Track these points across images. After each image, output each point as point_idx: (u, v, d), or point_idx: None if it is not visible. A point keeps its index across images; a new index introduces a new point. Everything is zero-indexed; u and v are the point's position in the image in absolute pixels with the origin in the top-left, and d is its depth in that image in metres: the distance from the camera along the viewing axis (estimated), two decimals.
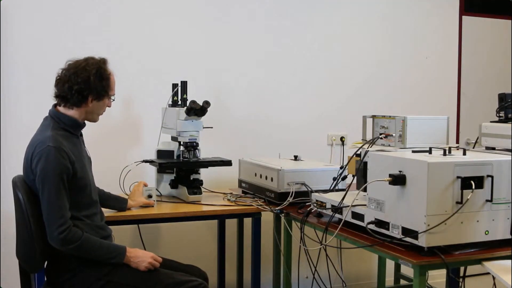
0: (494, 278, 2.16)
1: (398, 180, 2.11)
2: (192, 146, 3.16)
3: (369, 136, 2.70)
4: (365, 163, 2.35)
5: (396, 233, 2.16)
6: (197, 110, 3.05)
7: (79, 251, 2.32)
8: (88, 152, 2.64)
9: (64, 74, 2.44)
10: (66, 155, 2.32)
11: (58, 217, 2.28)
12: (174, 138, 3.23)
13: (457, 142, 4.43)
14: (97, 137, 3.48)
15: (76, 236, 2.30)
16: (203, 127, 3.15)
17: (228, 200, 3.14)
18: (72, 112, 2.47)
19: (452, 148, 2.31)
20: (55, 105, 2.51)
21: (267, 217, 3.17)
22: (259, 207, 2.99)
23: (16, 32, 3.30)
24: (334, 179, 2.80)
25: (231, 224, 3.62)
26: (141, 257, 2.42)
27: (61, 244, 2.29)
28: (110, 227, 2.73)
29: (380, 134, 2.61)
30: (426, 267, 2.05)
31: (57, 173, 2.28)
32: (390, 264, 3.88)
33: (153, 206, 2.96)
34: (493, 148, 2.42)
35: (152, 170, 3.32)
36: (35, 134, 2.45)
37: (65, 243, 2.28)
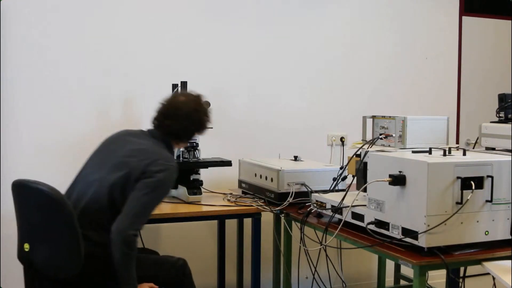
0: (494, 278, 2.16)
1: (398, 180, 2.11)
2: (192, 146, 3.16)
3: (369, 137, 2.70)
4: (365, 164, 2.35)
5: (396, 234, 2.15)
6: None
7: (124, 259, 2.27)
8: None
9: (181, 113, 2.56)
10: None
11: (141, 222, 2.32)
12: None
13: (457, 142, 4.42)
14: (97, 137, 3.47)
15: (136, 246, 2.30)
16: None
17: (228, 200, 3.14)
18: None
19: (452, 149, 2.31)
20: (167, 135, 2.58)
21: (267, 218, 3.17)
22: (259, 207, 2.99)
23: (16, 32, 3.30)
24: (334, 179, 2.80)
25: (231, 224, 3.62)
26: None
27: (124, 241, 2.25)
28: None
29: (380, 134, 2.61)
30: (426, 268, 2.05)
31: (167, 192, 2.45)
32: (390, 265, 3.88)
33: None
34: (493, 149, 2.42)
35: None
36: (149, 145, 2.50)
37: (128, 244, 2.26)
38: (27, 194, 2.41)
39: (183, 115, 2.55)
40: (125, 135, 2.63)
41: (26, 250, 2.37)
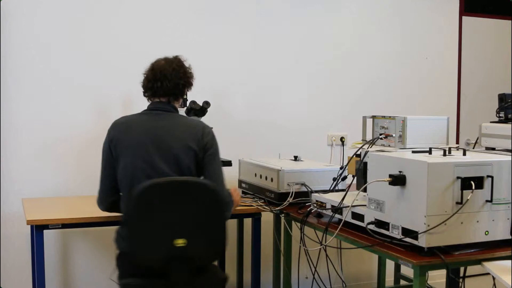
0: (494, 278, 2.16)
1: (398, 180, 2.11)
2: None
3: (369, 137, 2.70)
4: (365, 164, 2.35)
5: (396, 234, 2.16)
6: (197, 110, 3.05)
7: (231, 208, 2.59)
8: None
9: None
10: None
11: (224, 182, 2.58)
12: None
13: (457, 142, 4.43)
14: (97, 137, 3.48)
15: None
16: None
17: None
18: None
19: (452, 149, 2.31)
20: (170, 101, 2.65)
21: (267, 218, 3.17)
22: (259, 207, 2.99)
23: (16, 32, 3.30)
24: (334, 179, 2.79)
25: (231, 224, 3.60)
26: None
27: (230, 202, 2.57)
28: (110, 227, 2.73)
29: (380, 134, 2.60)
30: (426, 268, 2.05)
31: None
32: (390, 265, 3.88)
33: None
34: (493, 149, 2.42)
35: None
36: (183, 117, 2.70)
37: (228, 203, 2.54)
38: (185, 190, 2.41)
39: (171, 72, 2.59)
40: (155, 128, 2.56)
41: (180, 245, 2.35)
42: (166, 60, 2.65)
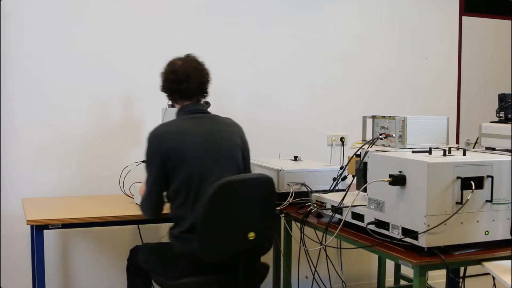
0: (494, 278, 2.16)
1: (398, 180, 2.11)
2: None
3: (369, 137, 2.70)
4: (365, 164, 2.35)
5: (396, 234, 2.15)
6: None
7: None
8: None
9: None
10: None
11: None
12: None
13: (457, 142, 4.43)
14: (97, 137, 3.49)
15: None
16: None
17: None
18: None
19: (452, 149, 2.31)
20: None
21: None
22: None
23: (15, 32, 3.30)
24: (334, 179, 2.79)
25: None
26: None
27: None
28: (109, 227, 2.74)
29: (380, 134, 2.60)
30: (426, 268, 2.05)
31: None
32: (390, 265, 3.88)
33: None
34: (493, 149, 2.42)
35: None
36: (219, 117, 2.75)
37: None
38: (254, 185, 2.56)
39: (193, 71, 2.63)
40: (207, 132, 2.63)
41: (251, 238, 2.52)
42: (182, 60, 2.68)
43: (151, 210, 2.66)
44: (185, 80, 2.60)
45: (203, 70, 2.67)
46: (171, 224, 2.72)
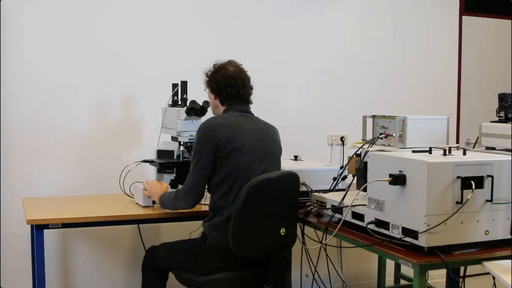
0: (494, 278, 2.16)
1: (398, 180, 2.11)
2: (192, 146, 3.15)
3: (369, 136, 2.70)
4: (365, 163, 2.35)
5: (396, 233, 2.16)
6: (197, 110, 3.05)
7: None
8: None
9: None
10: None
11: None
12: (174, 138, 3.22)
13: (457, 142, 4.43)
14: (97, 137, 3.49)
15: None
16: None
17: None
18: None
19: (452, 148, 2.31)
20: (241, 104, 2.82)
21: None
22: None
23: (16, 32, 3.30)
24: (334, 179, 2.79)
25: None
26: None
27: None
28: (110, 227, 2.73)
29: (380, 134, 2.60)
30: (426, 267, 2.05)
31: None
32: (390, 264, 3.88)
33: (153, 206, 2.96)
34: (493, 148, 2.42)
35: (152, 170, 3.32)
36: (260, 119, 2.84)
37: None
38: (288, 181, 2.67)
39: (246, 78, 2.82)
40: (257, 130, 2.75)
41: (282, 234, 2.63)
42: (233, 66, 2.84)
43: (194, 198, 2.67)
44: (244, 86, 2.78)
45: (248, 76, 2.84)
46: (170, 224, 2.72)
